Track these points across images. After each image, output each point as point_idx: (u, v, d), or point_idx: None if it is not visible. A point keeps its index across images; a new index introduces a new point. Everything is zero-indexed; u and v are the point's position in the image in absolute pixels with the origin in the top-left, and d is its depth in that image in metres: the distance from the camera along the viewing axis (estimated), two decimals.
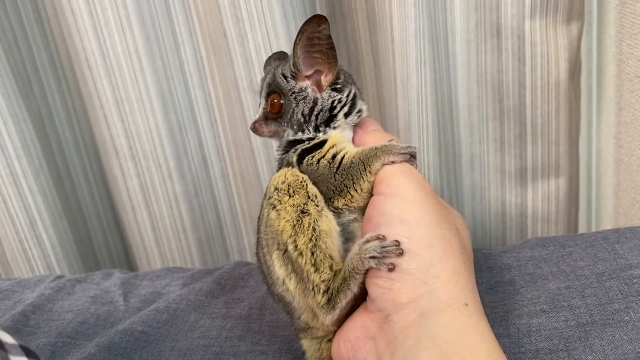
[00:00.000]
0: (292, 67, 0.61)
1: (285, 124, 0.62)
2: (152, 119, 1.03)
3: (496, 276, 0.68)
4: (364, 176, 0.56)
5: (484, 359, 0.43)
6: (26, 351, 0.38)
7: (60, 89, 1.10)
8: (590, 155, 1.04)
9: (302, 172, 0.59)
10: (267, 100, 0.62)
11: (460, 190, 1.03)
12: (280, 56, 0.69)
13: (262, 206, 0.60)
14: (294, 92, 0.61)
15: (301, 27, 0.58)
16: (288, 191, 0.57)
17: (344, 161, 0.57)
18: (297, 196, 0.56)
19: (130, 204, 1.11)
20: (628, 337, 0.54)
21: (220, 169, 1.11)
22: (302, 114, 0.61)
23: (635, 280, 0.60)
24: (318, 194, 0.58)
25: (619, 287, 0.60)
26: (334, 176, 0.57)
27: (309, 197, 0.57)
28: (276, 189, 0.58)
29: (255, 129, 0.63)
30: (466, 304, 0.48)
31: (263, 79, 0.64)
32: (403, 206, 0.53)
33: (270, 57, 0.70)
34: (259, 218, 0.61)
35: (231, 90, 0.99)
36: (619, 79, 0.90)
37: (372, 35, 0.94)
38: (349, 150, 0.59)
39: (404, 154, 0.56)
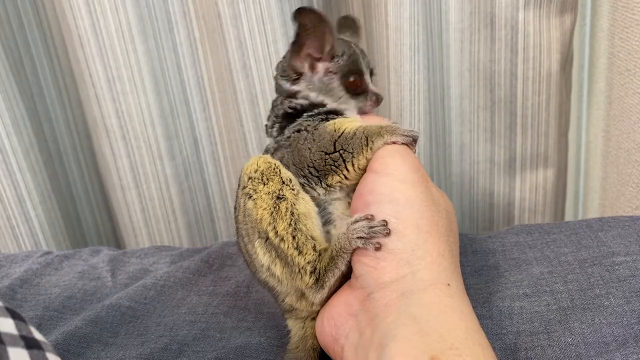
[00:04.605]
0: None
1: None
2: (143, 99, 1.03)
3: (481, 260, 0.69)
4: (364, 151, 0.56)
5: (461, 336, 0.44)
6: (12, 313, 0.38)
7: (52, 67, 1.10)
8: (579, 147, 1.05)
9: (296, 140, 0.59)
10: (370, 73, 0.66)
11: (449, 179, 1.04)
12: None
13: (237, 196, 0.60)
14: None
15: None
16: (262, 179, 0.57)
17: (347, 130, 0.57)
18: (271, 183, 0.57)
19: (119, 184, 1.11)
20: (607, 321, 0.55)
21: (211, 152, 1.12)
22: None
23: (616, 267, 0.61)
24: (292, 177, 0.58)
25: (600, 274, 0.61)
26: (334, 144, 0.57)
27: (283, 182, 0.57)
28: (250, 178, 0.58)
29: (382, 99, 0.66)
30: (448, 284, 0.49)
31: (363, 56, 0.65)
32: (394, 185, 0.53)
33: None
34: (235, 208, 0.61)
35: (224, 73, 0.99)
36: (609, 72, 0.91)
37: (366, 21, 0.94)
38: (354, 123, 0.59)
39: (407, 136, 0.56)
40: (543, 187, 0.99)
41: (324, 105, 0.62)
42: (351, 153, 0.56)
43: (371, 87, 0.65)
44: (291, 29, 0.92)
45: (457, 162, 1.02)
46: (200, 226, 1.17)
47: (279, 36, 0.91)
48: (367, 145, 0.56)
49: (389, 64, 0.92)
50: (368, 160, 0.56)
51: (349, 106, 0.64)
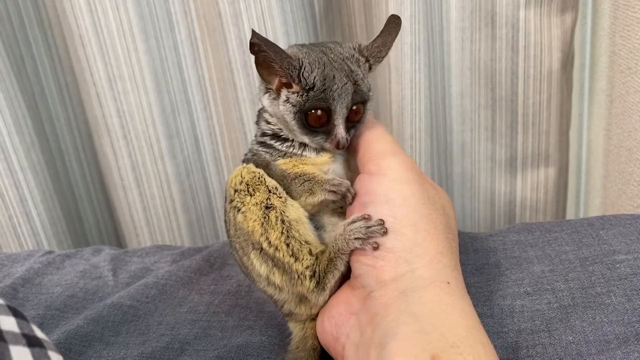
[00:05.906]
0: (369, 66, 0.58)
1: (357, 125, 0.59)
2: (144, 98, 1.03)
3: (482, 258, 0.69)
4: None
5: (462, 334, 0.44)
6: (13, 311, 0.38)
7: (53, 66, 1.10)
8: (581, 146, 1.05)
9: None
10: (351, 109, 0.56)
11: (450, 177, 1.04)
12: (325, 50, 0.58)
13: (225, 210, 0.60)
14: (370, 94, 0.58)
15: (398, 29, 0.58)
16: (248, 190, 0.57)
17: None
18: (258, 193, 0.56)
19: (121, 184, 1.11)
20: (608, 319, 0.55)
21: (212, 151, 1.12)
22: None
23: (617, 265, 0.61)
24: (278, 185, 0.57)
25: (601, 272, 0.61)
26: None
27: (269, 191, 0.56)
28: (236, 190, 0.57)
29: (345, 145, 0.56)
30: (448, 282, 0.49)
31: (341, 87, 0.55)
32: (390, 185, 0.53)
33: (319, 53, 0.58)
34: (225, 222, 0.60)
35: (225, 72, 0.99)
36: (610, 70, 0.91)
37: (367, 19, 0.94)
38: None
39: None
40: (544, 185, 0.99)
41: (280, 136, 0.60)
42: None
43: (338, 129, 0.56)
44: (292, 28, 0.93)
45: (458, 161, 1.02)
46: (201, 225, 1.17)
47: (280, 35, 0.91)
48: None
49: (389, 62, 0.92)
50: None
51: (305, 141, 0.58)
